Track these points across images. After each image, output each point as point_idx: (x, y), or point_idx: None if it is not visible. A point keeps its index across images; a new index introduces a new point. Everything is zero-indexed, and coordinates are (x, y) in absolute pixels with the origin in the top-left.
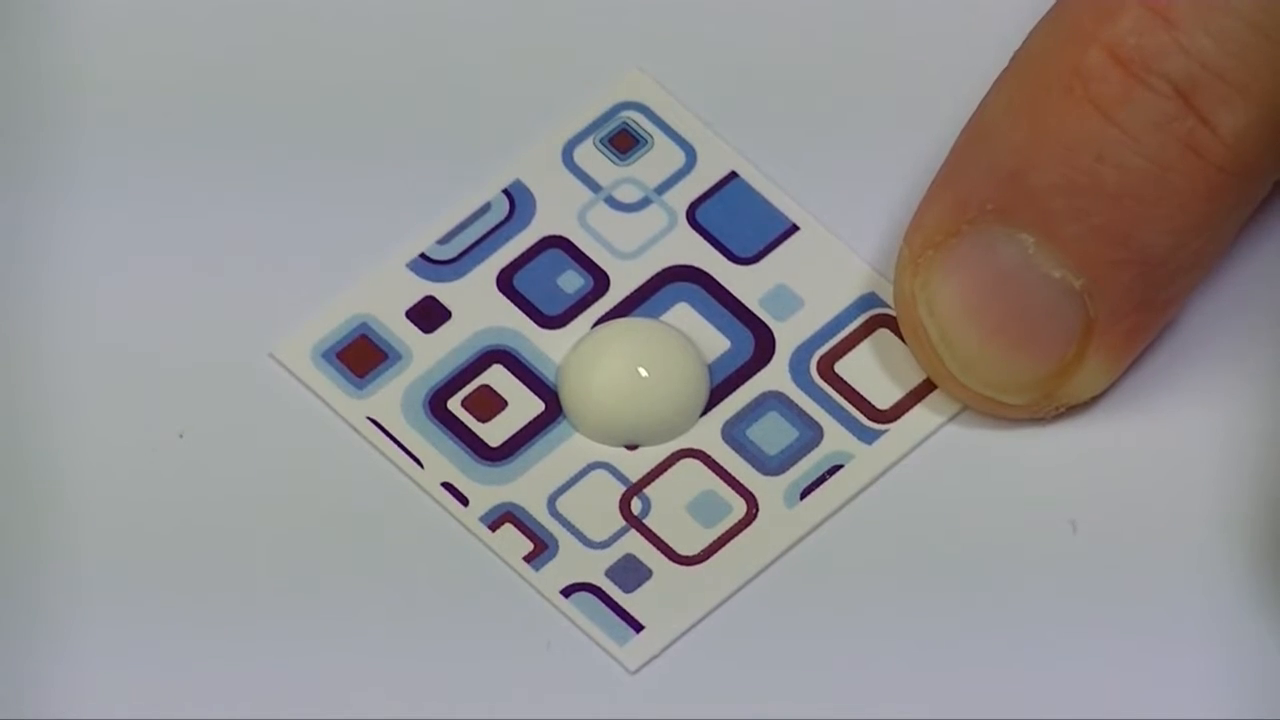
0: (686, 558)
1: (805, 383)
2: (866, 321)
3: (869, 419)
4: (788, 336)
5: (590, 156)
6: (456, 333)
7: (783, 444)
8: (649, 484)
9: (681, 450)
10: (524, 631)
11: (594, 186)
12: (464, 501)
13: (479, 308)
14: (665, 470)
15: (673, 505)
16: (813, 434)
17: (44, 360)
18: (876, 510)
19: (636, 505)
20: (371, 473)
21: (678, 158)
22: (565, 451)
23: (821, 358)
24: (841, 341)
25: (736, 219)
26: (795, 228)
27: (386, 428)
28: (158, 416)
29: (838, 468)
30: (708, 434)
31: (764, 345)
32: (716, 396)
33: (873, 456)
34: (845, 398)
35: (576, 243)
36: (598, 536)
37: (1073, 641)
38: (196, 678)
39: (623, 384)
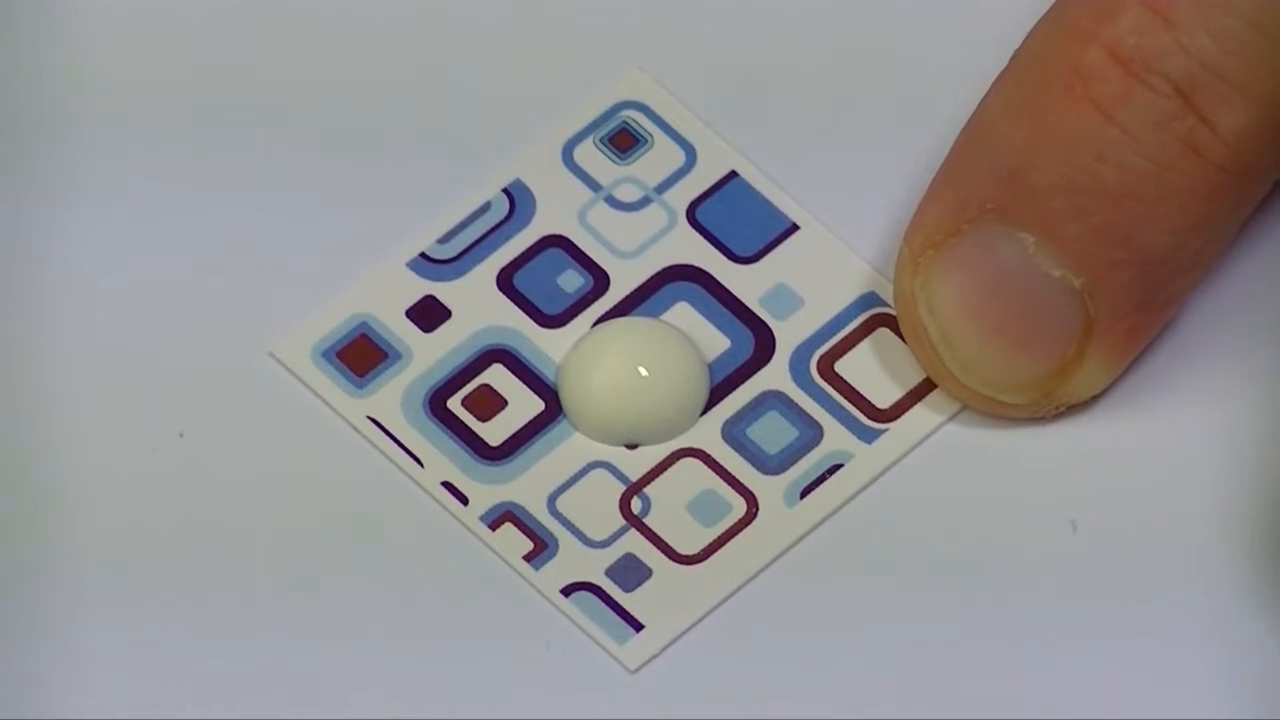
0: (686, 557)
1: (805, 382)
2: (866, 321)
3: (869, 418)
4: (788, 336)
5: (590, 156)
6: (456, 332)
7: (783, 443)
8: (649, 483)
9: (681, 450)
10: (524, 631)
11: (594, 186)
12: (464, 501)
13: (479, 307)
14: (665, 470)
15: (673, 504)
16: (813, 433)
17: (44, 360)
18: (876, 510)
19: (636, 504)
20: (371, 472)
21: (678, 157)
22: (565, 451)
23: (821, 357)
24: (841, 341)
25: (736, 218)
26: (795, 227)
27: (386, 427)
28: (158, 416)
29: (838, 467)
30: (708, 433)
31: (764, 344)
32: (716, 396)
33: (873, 456)
34: (845, 397)
35: (576, 242)
36: (598, 536)
37: (1073, 641)
38: (196, 678)
39: (623, 383)
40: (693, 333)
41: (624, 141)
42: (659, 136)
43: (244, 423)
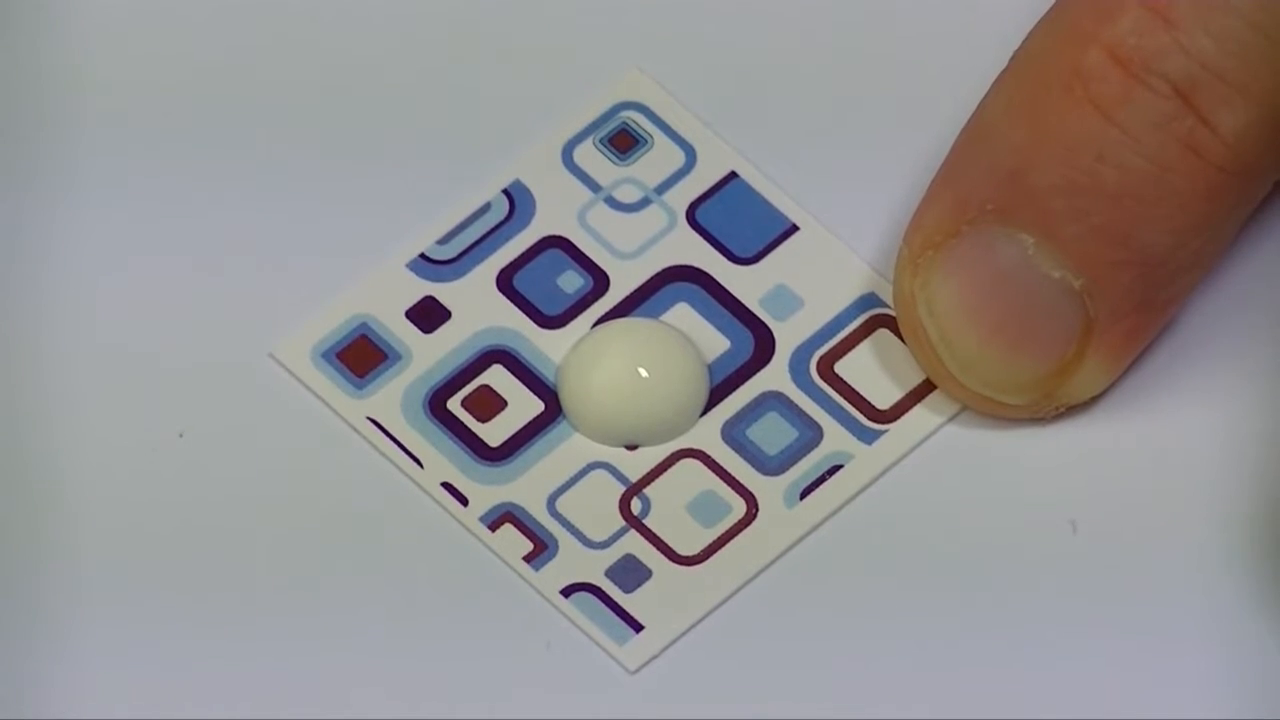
0: (686, 558)
1: (805, 383)
2: (866, 321)
3: (869, 419)
4: (788, 336)
5: (590, 156)
6: (456, 333)
7: (782, 444)
8: (649, 484)
9: (681, 450)
10: (524, 631)
11: (594, 186)
12: (464, 501)
13: (479, 308)
14: (665, 470)
15: (672, 505)
16: (812, 434)
17: (44, 360)
18: (876, 510)
19: (636, 505)
20: (371, 473)
21: (677, 158)
22: (565, 451)
23: (821, 358)
24: (841, 341)
25: (736, 219)
26: (795, 228)
27: (386, 428)
28: (158, 416)
29: (837, 468)
30: (707, 434)
31: (764, 345)
32: (716, 396)
33: (873, 456)
34: (845, 398)
35: (576, 243)
36: (597, 536)
37: (1073, 641)
38: (196, 678)
39: (623, 384)
40: (693, 333)
41: (624, 142)
42: (659, 137)
43: (244, 423)
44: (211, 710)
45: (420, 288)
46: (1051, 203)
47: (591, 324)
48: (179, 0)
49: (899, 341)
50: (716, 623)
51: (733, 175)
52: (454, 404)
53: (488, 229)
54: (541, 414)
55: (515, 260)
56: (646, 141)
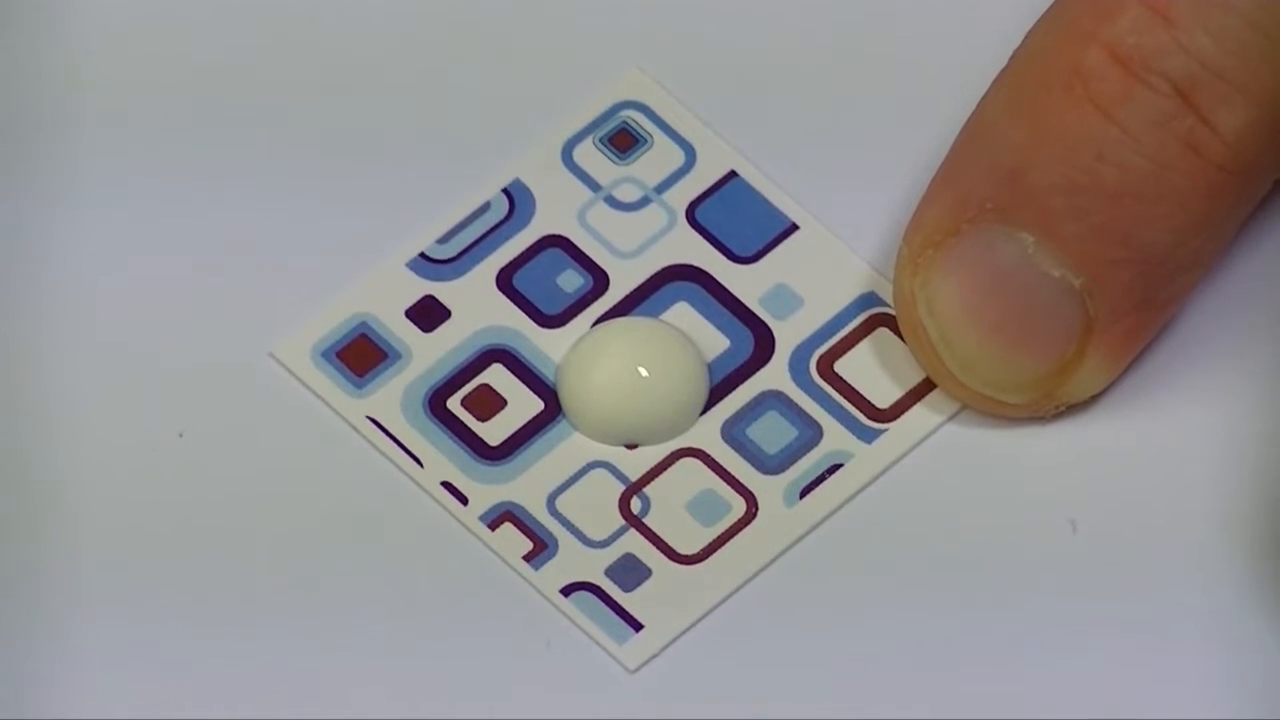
0: (686, 557)
1: (805, 382)
2: (866, 321)
3: (869, 418)
4: (787, 336)
5: (590, 156)
6: (456, 332)
7: (782, 443)
8: (648, 483)
9: (681, 449)
10: (524, 631)
11: (594, 186)
12: (464, 501)
13: (478, 307)
14: (665, 469)
15: (672, 504)
16: (812, 433)
17: (44, 360)
18: (876, 510)
19: (636, 504)
20: (371, 472)
21: (677, 157)
22: (565, 451)
23: (821, 357)
24: (841, 341)
25: (736, 218)
26: (795, 227)
27: (386, 427)
28: (158, 416)
29: (837, 467)
30: (707, 433)
31: (764, 344)
32: (716, 396)
33: (872, 456)
34: (845, 397)
35: (576, 242)
36: (597, 536)
37: (1073, 641)
38: (196, 678)
39: (622, 383)
40: (692, 333)
41: (624, 141)
42: (659, 136)
43: (244, 423)
44: (211, 710)
45: (420, 287)
46: (1051, 201)
47: (591, 323)
48: (179, 0)
49: (899, 340)
50: (716, 622)
51: (732, 174)
52: (454, 403)
53: (487, 228)
54: (541, 413)
55: (515, 259)
56: (646, 141)
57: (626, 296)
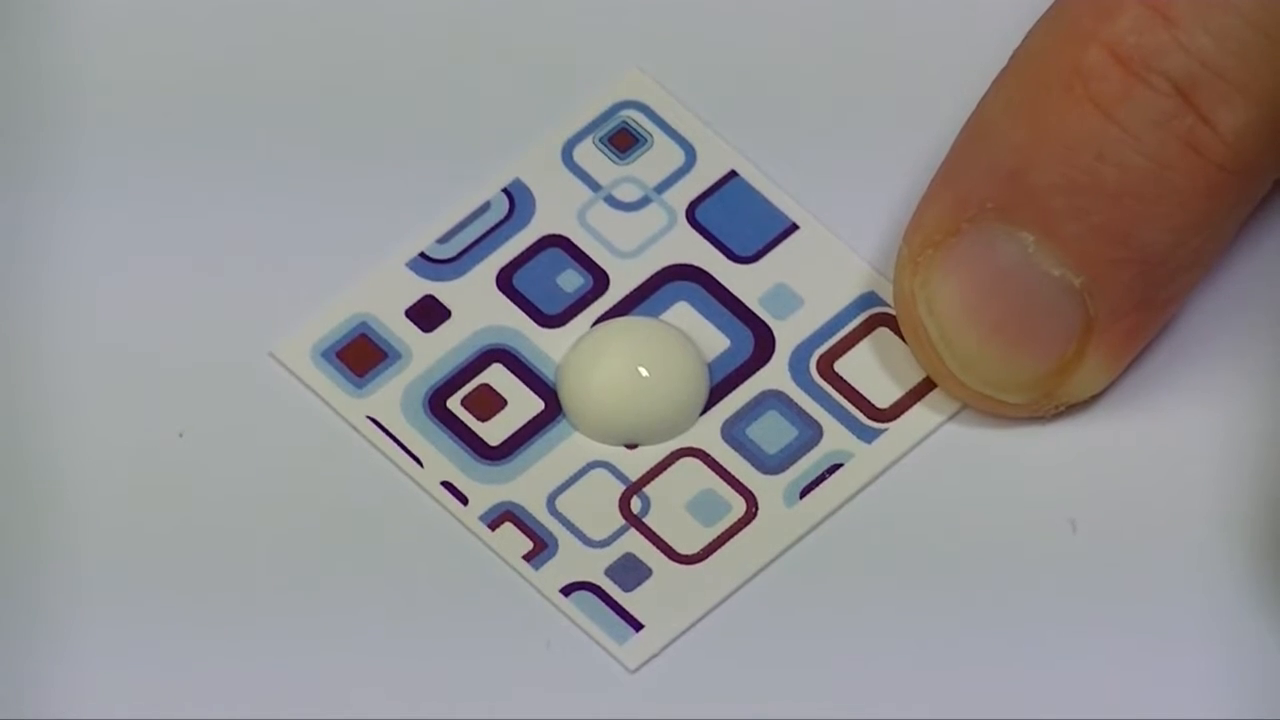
0: (686, 556)
1: (805, 381)
2: (866, 320)
3: (869, 418)
4: (787, 335)
5: (590, 155)
6: (456, 332)
7: (782, 443)
8: (649, 483)
9: (681, 449)
10: (524, 630)
11: (594, 185)
12: (464, 500)
13: (479, 307)
14: (665, 469)
15: (672, 504)
16: (812, 433)
17: (44, 360)
18: (876, 509)
19: (636, 504)
20: (371, 472)
21: (677, 157)
22: (565, 450)
23: (821, 356)
24: (841, 340)
25: (736, 218)
26: (795, 227)
27: (386, 427)
28: (158, 416)
29: (837, 466)
30: (707, 433)
31: (764, 344)
32: (716, 395)
33: (872, 455)
34: (845, 396)
35: (576, 242)
36: (597, 535)
37: (1073, 641)
38: (196, 678)
39: (622, 383)
40: (692, 332)
41: (624, 141)
42: (659, 136)
43: (244, 423)
44: (211, 710)
45: (420, 287)
46: (1051, 201)
47: (591, 323)
48: (179, 0)
49: (899, 340)
50: (716, 622)
51: (732, 174)
52: (454, 403)
53: (487, 228)
54: (541, 413)
55: (515, 259)
56: (646, 141)
57: (626, 296)
